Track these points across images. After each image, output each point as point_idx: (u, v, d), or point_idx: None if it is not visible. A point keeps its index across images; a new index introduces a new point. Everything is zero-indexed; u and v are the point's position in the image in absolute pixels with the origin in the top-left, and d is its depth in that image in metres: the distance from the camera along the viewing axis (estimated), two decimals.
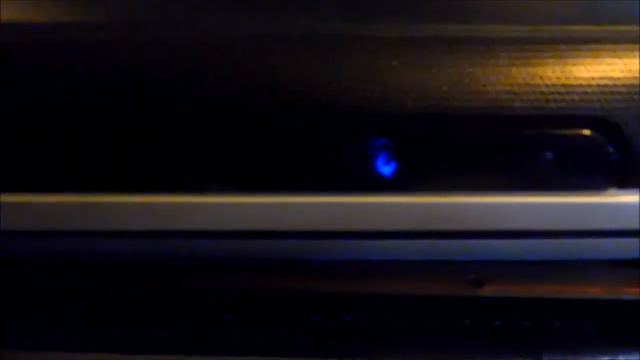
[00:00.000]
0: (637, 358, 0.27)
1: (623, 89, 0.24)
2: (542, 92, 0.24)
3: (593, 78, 0.24)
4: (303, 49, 0.24)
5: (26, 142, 0.25)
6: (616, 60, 0.24)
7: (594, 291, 0.29)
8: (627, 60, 0.24)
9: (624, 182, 0.25)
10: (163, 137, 0.25)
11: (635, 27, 0.25)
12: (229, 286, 0.28)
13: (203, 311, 0.28)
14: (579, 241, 0.27)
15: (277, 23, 0.25)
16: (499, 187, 0.26)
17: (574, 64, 0.24)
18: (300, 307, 0.29)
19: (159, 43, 0.25)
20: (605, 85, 0.24)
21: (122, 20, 0.26)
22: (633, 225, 0.25)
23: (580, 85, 0.24)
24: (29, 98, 0.24)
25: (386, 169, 0.25)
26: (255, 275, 0.28)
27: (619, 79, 0.24)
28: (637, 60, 0.24)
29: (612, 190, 0.25)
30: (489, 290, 0.29)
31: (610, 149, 0.24)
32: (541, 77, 0.24)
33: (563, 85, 0.24)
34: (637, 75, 0.24)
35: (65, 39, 0.25)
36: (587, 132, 0.24)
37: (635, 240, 0.26)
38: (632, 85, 0.24)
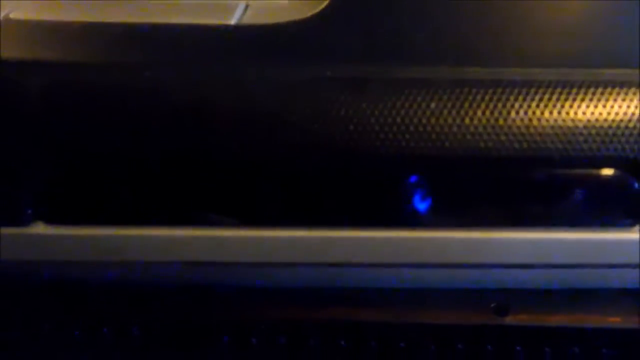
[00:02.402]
0: None
1: None
2: (577, 134, 0.25)
3: (622, 120, 0.25)
4: (333, 91, 0.25)
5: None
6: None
7: (613, 320, 0.29)
8: None
9: None
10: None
11: None
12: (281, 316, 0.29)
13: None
14: (601, 271, 0.28)
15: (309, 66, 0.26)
16: (530, 223, 0.26)
17: (603, 106, 0.25)
18: (331, 334, 0.29)
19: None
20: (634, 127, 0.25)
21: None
22: None
23: (610, 127, 0.25)
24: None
25: (419, 205, 0.26)
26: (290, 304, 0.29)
27: None
28: None
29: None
30: (513, 319, 0.29)
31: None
32: (573, 120, 0.25)
33: (595, 127, 0.25)
34: None
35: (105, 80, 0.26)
36: (615, 171, 0.25)
37: None
38: None
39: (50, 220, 0.26)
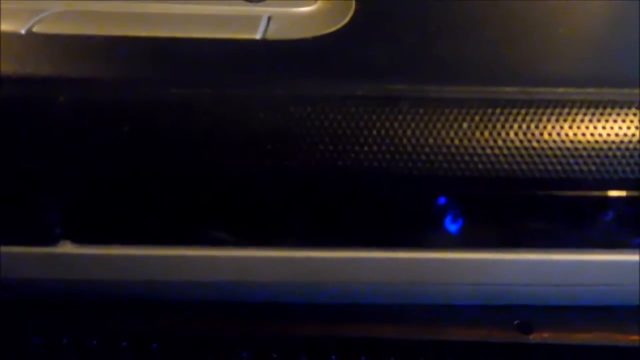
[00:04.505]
0: None
1: None
2: (611, 156, 0.24)
3: None
4: (364, 109, 0.25)
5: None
6: None
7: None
8: None
9: None
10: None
11: None
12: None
13: None
14: (627, 288, 0.28)
15: (340, 84, 0.26)
16: (563, 244, 0.26)
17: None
18: (351, 351, 0.29)
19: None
20: None
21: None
22: None
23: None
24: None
25: (448, 227, 0.26)
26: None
27: None
28: None
29: None
30: (537, 337, 0.29)
31: None
32: (607, 141, 0.24)
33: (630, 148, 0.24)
34: None
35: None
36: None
37: None
38: None
39: (77, 239, 0.26)
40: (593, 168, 0.24)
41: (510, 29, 0.31)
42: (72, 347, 0.28)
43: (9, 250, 0.26)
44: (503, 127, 0.24)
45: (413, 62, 0.27)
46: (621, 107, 0.25)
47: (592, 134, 0.24)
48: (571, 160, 0.24)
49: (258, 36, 0.29)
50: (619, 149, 0.24)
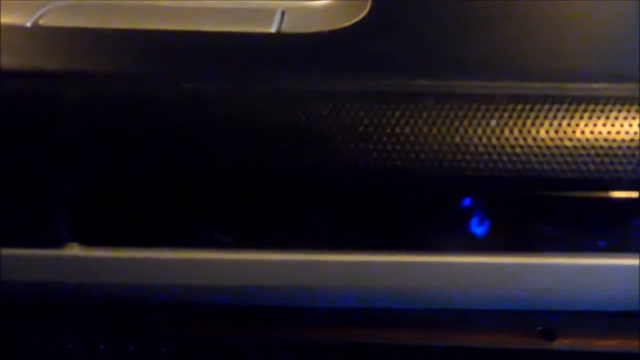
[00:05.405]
0: None
1: None
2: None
3: None
4: (386, 106, 0.24)
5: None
6: None
7: None
8: None
9: None
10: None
11: None
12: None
13: None
14: None
15: (361, 79, 0.24)
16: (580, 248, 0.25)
17: None
18: (365, 357, 0.28)
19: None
20: None
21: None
22: None
23: None
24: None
25: (475, 229, 0.25)
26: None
27: None
28: None
29: None
30: (561, 344, 0.28)
31: None
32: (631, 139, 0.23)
33: None
34: None
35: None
36: None
37: None
38: None
39: (85, 242, 0.25)
40: (629, 168, 0.23)
41: (538, 23, 0.30)
42: (79, 350, 0.28)
43: (15, 252, 0.25)
44: (533, 124, 0.23)
45: (437, 56, 0.26)
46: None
47: (627, 132, 0.23)
48: (605, 160, 0.23)
49: (273, 29, 0.28)
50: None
